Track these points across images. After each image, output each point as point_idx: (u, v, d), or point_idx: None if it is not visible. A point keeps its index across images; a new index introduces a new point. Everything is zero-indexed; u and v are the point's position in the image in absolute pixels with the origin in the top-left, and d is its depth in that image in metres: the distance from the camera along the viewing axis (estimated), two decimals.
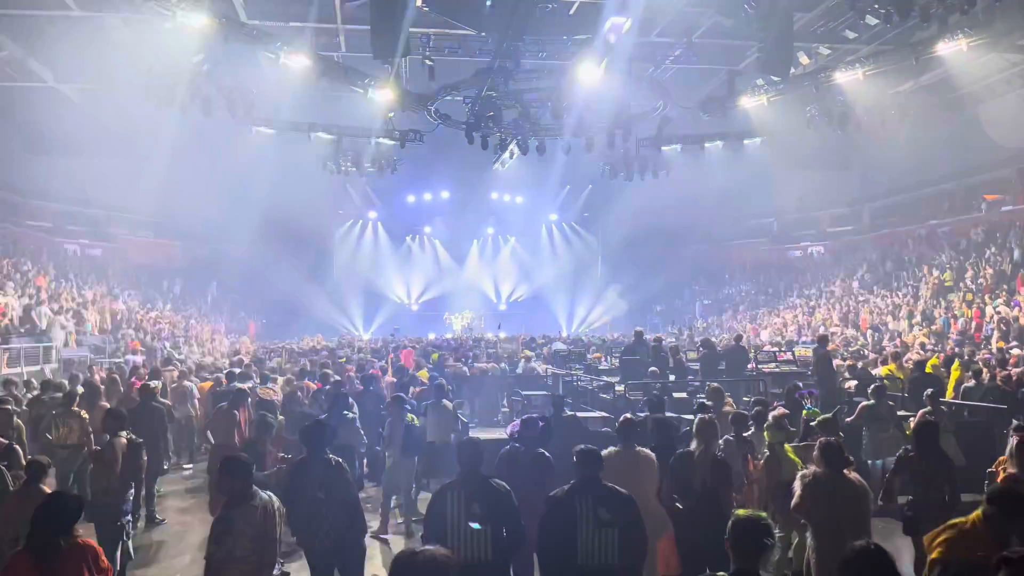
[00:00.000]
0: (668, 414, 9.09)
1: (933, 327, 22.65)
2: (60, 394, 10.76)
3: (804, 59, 21.52)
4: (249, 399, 10.70)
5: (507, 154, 24.13)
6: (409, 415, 9.77)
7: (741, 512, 3.70)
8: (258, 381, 13.46)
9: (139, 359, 19.49)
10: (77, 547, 4.60)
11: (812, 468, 5.70)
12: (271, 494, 5.40)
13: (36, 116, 28.76)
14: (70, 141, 30.25)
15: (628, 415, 7.12)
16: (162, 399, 11.65)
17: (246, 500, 5.18)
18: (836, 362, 15.69)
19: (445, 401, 10.85)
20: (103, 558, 4.71)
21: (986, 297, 22.75)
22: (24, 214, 31.46)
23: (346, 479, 6.08)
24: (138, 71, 20.19)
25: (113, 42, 21.51)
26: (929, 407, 9.74)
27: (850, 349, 20.63)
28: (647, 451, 6.56)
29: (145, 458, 7.70)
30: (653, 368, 13.28)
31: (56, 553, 4.43)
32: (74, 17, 19.98)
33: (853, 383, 12.75)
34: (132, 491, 7.48)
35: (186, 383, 13.58)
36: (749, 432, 8.10)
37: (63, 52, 23.09)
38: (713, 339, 20.00)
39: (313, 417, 7.63)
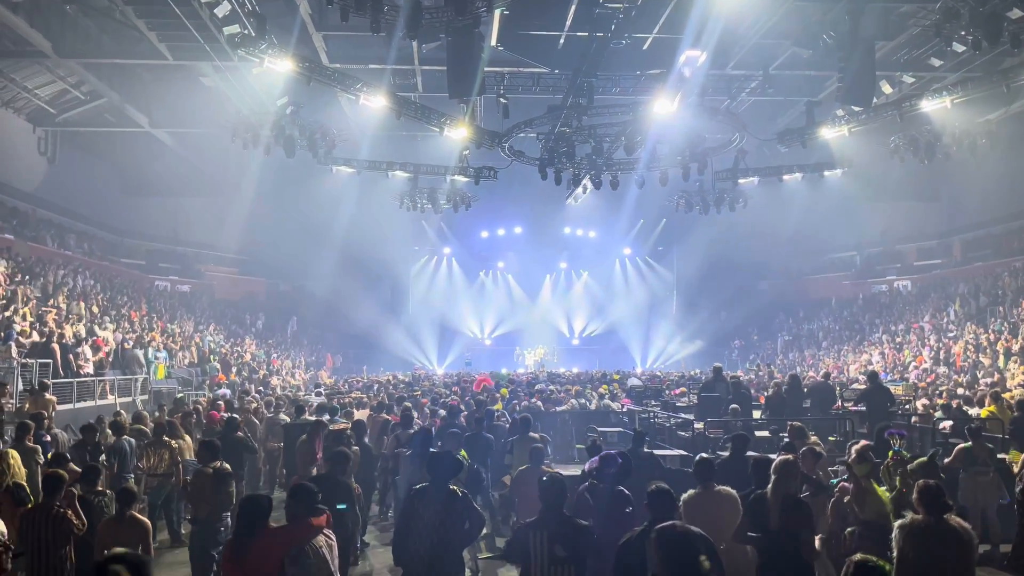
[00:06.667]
0: (751, 453, 8.78)
1: None
2: (144, 426, 11.21)
3: (887, 88, 21.00)
4: (323, 431, 10.73)
5: (580, 189, 24.16)
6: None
7: (858, 557, 3.47)
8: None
9: (226, 391, 20.06)
10: (269, 533, 4.97)
11: (910, 514, 5.36)
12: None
13: (132, 159, 30.49)
14: (163, 183, 31.93)
15: (705, 454, 6.88)
16: (244, 431, 11.83)
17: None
18: (923, 402, 15.05)
19: (532, 434, 10.15)
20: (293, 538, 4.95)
21: None
22: (120, 252, 33.22)
23: (459, 512, 5.76)
24: (226, 114, 21.24)
25: (204, 88, 22.70)
26: None
27: (943, 388, 19.65)
28: (728, 489, 6.32)
29: (232, 488, 7.76)
30: (735, 406, 12.89)
31: (249, 544, 4.89)
32: (168, 65, 21.13)
33: (948, 423, 12.10)
34: (227, 519, 7.50)
35: (282, 415, 13.83)
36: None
37: (158, 98, 24.51)
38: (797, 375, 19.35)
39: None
